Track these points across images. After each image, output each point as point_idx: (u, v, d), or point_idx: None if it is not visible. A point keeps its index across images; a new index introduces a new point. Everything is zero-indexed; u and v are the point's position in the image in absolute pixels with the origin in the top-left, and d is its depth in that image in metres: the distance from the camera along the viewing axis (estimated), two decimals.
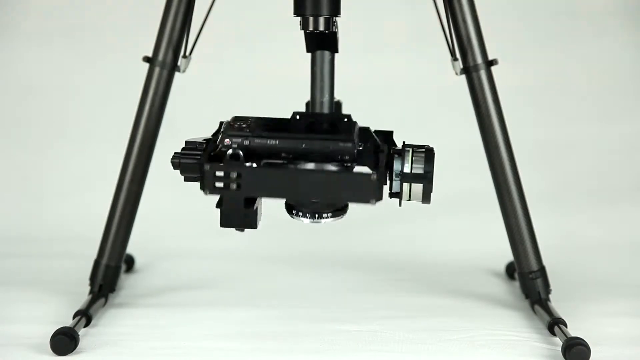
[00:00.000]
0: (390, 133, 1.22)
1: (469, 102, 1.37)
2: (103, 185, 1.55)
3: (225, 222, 1.16)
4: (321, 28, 1.21)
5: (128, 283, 1.53)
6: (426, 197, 1.17)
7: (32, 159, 1.95)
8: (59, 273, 1.57)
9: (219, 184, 1.13)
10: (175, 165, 1.17)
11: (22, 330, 1.30)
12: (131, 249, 1.50)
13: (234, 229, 1.18)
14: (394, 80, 1.97)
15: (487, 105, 1.35)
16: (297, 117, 1.21)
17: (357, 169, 1.14)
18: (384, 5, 1.97)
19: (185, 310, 1.40)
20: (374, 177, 1.11)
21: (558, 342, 1.25)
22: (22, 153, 1.96)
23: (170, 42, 1.36)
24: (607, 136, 1.95)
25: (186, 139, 1.18)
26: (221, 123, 1.22)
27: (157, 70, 1.36)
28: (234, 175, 1.12)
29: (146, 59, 1.37)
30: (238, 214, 1.15)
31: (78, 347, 1.23)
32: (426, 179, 1.16)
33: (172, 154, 1.17)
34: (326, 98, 1.26)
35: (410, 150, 1.17)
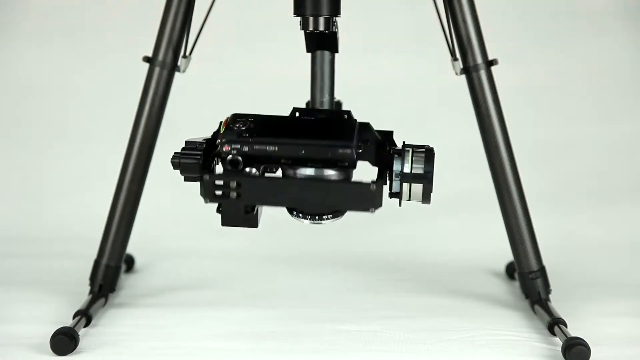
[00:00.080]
0: (390, 133, 1.22)
1: (469, 102, 1.37)
2: (103, 185, 1.55)
3: (226, 221, 1.16)
4: (321, 28, 1.21)
5: (128, 283, 1.53)
6: (426, 197, 1.17)
7: (32, 159, 1.95)
8: (59, 273, 1.57)
9: (219, 192, 1.13)
10: (175, 165, 1.17)
11: (22, 330, 1.30)
12: (131, 249, 1.50)
13: (234, 229, 1.18)
14: (394, 80, 1.97)
15: (487, 105, 1.35)
16: (297, 113, 1.21)
17: (357, 178, 1.15)
18: (384, 5, 1.97)
19: (185, 310, 1.40)
20: (373, 187, 1.11)
21: (558, 342, 1.25)
22: (22, 153, 1.96)
23: (170, 42, 1.36)
24: (607, 136, 1.95)
25: (186, 139, 1.18)
26: (221, 122, 1.22)
27: (157, 70, 1.36)
28: (233, 184, 1.12)
29: (146, 59, 1.37)
30: (239, 213, 1.15)
31: (78, 347, 1.23)
32: (426, 179, 1.16)
33: (172, 154, 1.17)
34: (326, 98, 1.26)
35: (410, 150, 1.17)
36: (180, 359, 1.22)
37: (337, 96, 1.29)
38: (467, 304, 1.45)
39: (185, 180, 1.18)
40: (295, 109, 1.22)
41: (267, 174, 1.16)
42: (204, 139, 1.19)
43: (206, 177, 1.12)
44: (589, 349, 1.20)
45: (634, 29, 1.96)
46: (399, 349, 1.26)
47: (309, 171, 1.14)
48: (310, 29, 1.22)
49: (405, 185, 1.16)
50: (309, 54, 1.26)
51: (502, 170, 1.36)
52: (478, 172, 1.58)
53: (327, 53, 1.26)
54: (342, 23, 1.26)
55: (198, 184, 1.15)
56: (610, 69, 1.97)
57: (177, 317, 1.37)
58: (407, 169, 1.16)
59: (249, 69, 1.96)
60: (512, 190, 1.36)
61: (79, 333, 1.24)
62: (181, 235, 1.79)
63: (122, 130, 1.43)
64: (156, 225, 1.76)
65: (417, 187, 1.16)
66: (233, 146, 1.12)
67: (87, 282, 1.41)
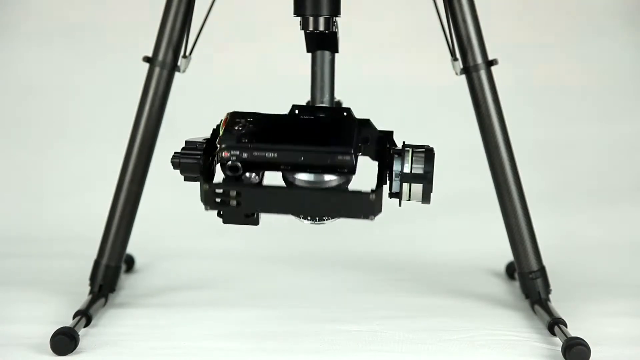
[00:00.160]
0: (390, 133, 1.22)
1: (469, 102, 1.37)
2: (103, 185, 1.55)
3: (227, 220, 1.16)
4: (321, 28, 1.21)
5: (128, 283, 1.53)
6: (426, 198, 1.16)
7: (32, 159, 1.95)
8: (59, 273, 1.57)
9: (219, 199, 1.13)
10: (175, 165, 1.17)
11: (22, 330, 1.30)
12: (131, 249, 1.50)
13: (234, 229, 1.18)
14: (394, 80, 1.97)
15: (487, 105, 1.35)
16: (296, 111, 1.21)
17: (357, 179, 1.15)
18: (384, 5, 1.97)
19: (185, 310, 1.40)
20: (373, 197, 1.11)
21: (558, 342, 1.25)
22: (22, 153, 1.96)
23: (170, 42, 1.36)
24: (607, 136, 1.95)
25: (186, 139, 1.18)
26: (222, 120, 1.22)
27: (157, 70, 1.36)
28: (233, 193, 1.13)
29: (146, 59, 1.37)
30: (239, 215, 1.16)
31: (78, 347, 1.23)
32: (426, 179, 1.16)
33: (172, 154, 1.17)
34: (326, 98, 1.26)
35: (410, 150, 1.17)
36: (180, 359, 1.22)
37: (337, 96, 1.29)
38: (467, 304, 1.45)
39: (185, 180, 1.18)
40: (294, 106, 1.22)
41: (268, 174, 1.17)
42: (204, 139, 1.19)
43: (205, 186, 1.13)
44: (589, 349, 1.20)
45: (634, 29, 1.96)
46: (399, 349, 1.26)
47: (309, 177, 1.14)
48: (310, 29, 1.21)
49: (405, 186, 1.16)
50: (309, 54, 1.26)
51: (502, 170, 1.36)
52: (478, 172, 1.58)
53: (327, 53, 1.25)
54: (342, 23, 1.26)
55: (198, 184, 1.15)
56: (610, 69, 1.97)
57: (177, 317, 1.37)
58: (407, 169, 1.16)
59: (249, 69, 1.96)
60: (512, 190, 1.36)
61: (79, 333, 1.24)
62: (181, 235, 1.79)
63: (122, 130, 1.43)
64: (156, 225, 1.76)
65: (417, 187, 1.16)
66: (232, 152, 1.13)
67: (87, 282, 1.41)
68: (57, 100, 1.98)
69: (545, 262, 1.39)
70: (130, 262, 1.60)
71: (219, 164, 1.15)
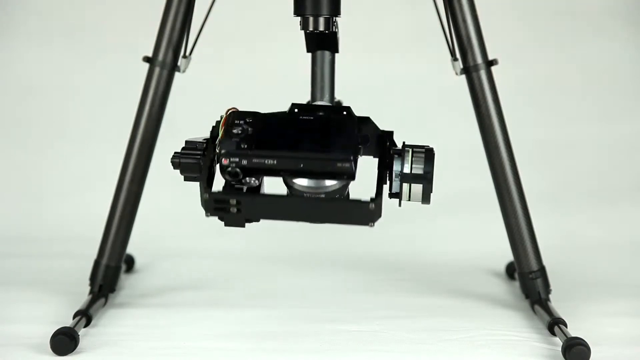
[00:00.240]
0: (390, 133, 1.22)
1: (469, 102, 1.37)
2: (103, 185, 1.55)
3: (229, 223, 1.17)
4: (321, 28, 1.21)
5: (128, 283, 1.53)
6: (426, 198, 1.16)
7: (32, 159, 1.95)
8: (59, 273, 1.57)
9: (219, 206, 1.14)
10: (175, 165, 1.17)
11: (22, 330, 1.30)
12: (131, 249, 1.50)
13: (234, 229, 1.19)
14: (394, 80, 1.97)
15: (487, 105, 1.35)
16: (296, 109, 1.21)
17: (356, 195, 1.15)
18: (384, 5, 1.98)
19: (185, 310, 1.40)
20: (372, 206, 1.12)
21: (558, 342, 1.25)
22: (22, 153, 1.96)
23: (170, 42, 1.36)
24: (607, 136, 1.95)
25: (186, 139, 1.18)
26: (222, 117, 1.21)
27: (157, 70, 1.36)
28: (233, 202, 1.13)
29: (146, 59, 1.37)
30: (240, 218, 1.16)
31: (78, 347, 1.23)
32: (426, 179, 1.15)
33: (172, 154, 1.17)
34: (326, 98, 1.26)
35: (410, 150, 1.17)
36: (180, 359, 1.22)
37: (338, 96, 1.29)
38: (467, 304, 1.45)
39: (185, 180, 1.18)
40: (294, 105, 1.22)
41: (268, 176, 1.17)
42: (204, 139, 1.19)
43: (205, 195, 1.13)
44: (589, 349, 1.20)
45: (634, 29, 1.96)
46: (399, 349, 1.26)
47: (309, 182, 1.15)
48: (310, 29, 1.21)
49: (405, 186, 1.16)
50: (309, 54, 1.26)
51: (502, 170, 1.36)
52: (478, 172, 1.58)
53: (327, 53, 1.25)
54: (342, 23, 1.26)
55: (198, 184, 1.15)
56: (610, 69, 1.97)
57: (177, 317, 1.37)
58: (407, 169, 1.16)
59: (249, 69, 1.96)
60: (512, 190, 1.36)
61: (79, 333, 1.24)
62: (181, 235, 1.79)
63: (122, 130, 1.43)
64: (156, 225, 1.76)
65: (417, 188, 1.16)
66: (232, 159, 1.13)
67: (87, 282, 1.41)
68: (57, 100, 1.98)
69: (545, 262, 1.39)
70: (130, 262, 1.60)
71: (218, 167, 1.15)
